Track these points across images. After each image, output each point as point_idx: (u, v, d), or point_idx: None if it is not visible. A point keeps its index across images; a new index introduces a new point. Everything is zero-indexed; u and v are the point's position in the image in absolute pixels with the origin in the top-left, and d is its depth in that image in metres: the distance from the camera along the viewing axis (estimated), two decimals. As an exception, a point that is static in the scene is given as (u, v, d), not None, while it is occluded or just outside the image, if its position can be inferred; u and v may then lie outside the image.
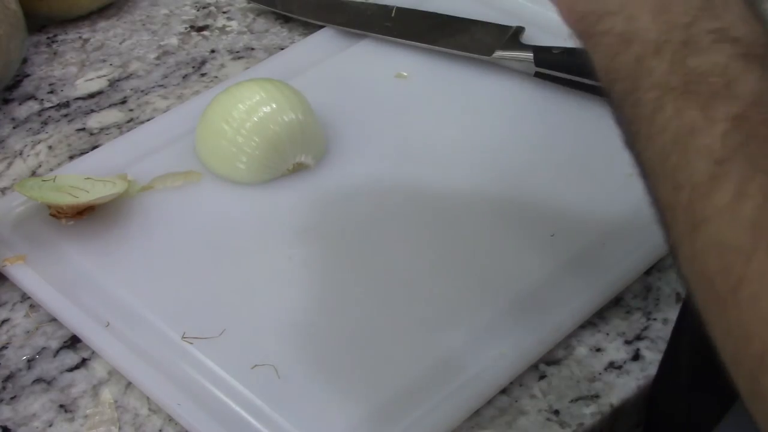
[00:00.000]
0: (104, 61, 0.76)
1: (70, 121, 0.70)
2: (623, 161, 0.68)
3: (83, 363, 0.54)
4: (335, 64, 0.73)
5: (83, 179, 0.60)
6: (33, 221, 0.60)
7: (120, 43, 0.78)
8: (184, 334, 0.53)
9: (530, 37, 0.71)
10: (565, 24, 0.39)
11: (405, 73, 0.71)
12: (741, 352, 0.31)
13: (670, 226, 0.34)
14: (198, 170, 0.63)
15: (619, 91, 0.37)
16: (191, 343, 0.53)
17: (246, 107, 0.61)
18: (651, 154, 0.35)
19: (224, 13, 0.81)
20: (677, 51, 0.35)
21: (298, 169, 0.63)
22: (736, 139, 0.32)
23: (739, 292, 0.31)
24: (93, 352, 0.54)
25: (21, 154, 0.67)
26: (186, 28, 0.79)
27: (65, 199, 0.58)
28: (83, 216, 0.60)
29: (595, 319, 0.55)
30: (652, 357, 0.53)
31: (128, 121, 0.70)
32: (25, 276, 0.57)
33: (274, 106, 0.62)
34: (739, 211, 0.31)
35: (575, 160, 0.64)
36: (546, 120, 0.67)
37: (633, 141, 0.36)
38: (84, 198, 0.58)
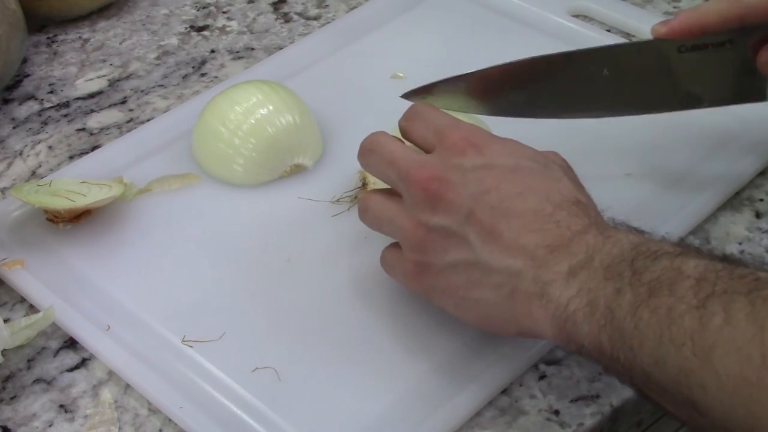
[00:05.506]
0: (104, 61, 0.76)
1: (70, 121, 0.70)
2: (623, 161, 0.67)
3: (83, 363, 0.54)
4: (334, 64, 0.73)
5: (79, 183, 0.60)
6: (30, 225, 0.60)
7: (120, 43, 0.78)
8: (184, 337, 0.53)
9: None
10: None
11: (401, 74, 0.71)
12: None
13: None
14: (196, 173, 0.63)
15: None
16: (191, 347, 0.53)
17: (243, 109, 0.61)
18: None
19: (224, 13, 0.81)
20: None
21: (296, 170, 0.63)
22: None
23: None
24: (93, 353, 0.54)
25: (21, 154, 0.67)
26: (186, 28, 0.79)
27: (62, 203, 0.58)
28: (80, 220, 0.59)
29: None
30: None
31: (128, 121, 0.70)
32: (23, 280, 0.56)
33: (270, 108, 0.62)
34: None
35: (576, 160, 0.64)
36: (545, 120, 0.67)
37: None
38: (81, 202, 0.58)
